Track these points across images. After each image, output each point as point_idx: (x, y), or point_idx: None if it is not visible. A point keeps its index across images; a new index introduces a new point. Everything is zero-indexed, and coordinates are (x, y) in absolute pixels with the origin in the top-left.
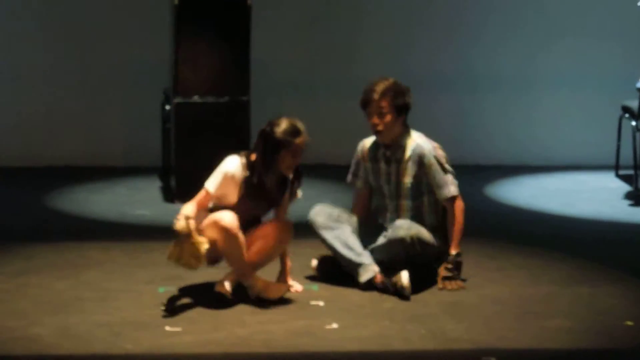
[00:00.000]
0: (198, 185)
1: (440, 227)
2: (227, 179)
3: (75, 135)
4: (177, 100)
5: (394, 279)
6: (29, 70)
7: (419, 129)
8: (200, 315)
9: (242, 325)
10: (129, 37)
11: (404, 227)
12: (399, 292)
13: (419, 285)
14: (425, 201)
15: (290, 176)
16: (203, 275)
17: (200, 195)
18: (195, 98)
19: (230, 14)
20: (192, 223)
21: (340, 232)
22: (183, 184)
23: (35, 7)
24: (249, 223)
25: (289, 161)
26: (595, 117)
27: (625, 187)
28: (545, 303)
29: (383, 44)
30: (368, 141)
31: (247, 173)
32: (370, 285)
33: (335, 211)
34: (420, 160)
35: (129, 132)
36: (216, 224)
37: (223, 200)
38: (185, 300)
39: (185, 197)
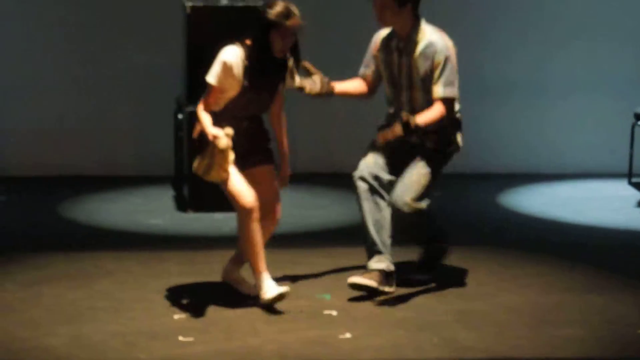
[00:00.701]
0: (211, 193)
1: (451, 123)
2: (227, 68)
3: (88, 144)
4: (190, 108)
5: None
6: (41, 79)
7: None
8: (212, 324)
9: (254, 334)
10: (141, 45)
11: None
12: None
13: (428, 291)
14: None
15: (290, 62)
16: (216, 287)
17: (208, 93)
18: None
19: (243, 21)
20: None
21: (377, 213)
22: (196, 192)
23: (47, 16)
24: (250, 122)
25: (279, 43)
26: (608, 124)
27: (638, 195)
28: (558, 311)
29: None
30: (383, 32)
31: (247, 61)
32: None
33: (378, 177)
34: (432, 56)
35: (141, 141)
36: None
37: (225, 94)
38: (198, 309)
39: (199, 206)
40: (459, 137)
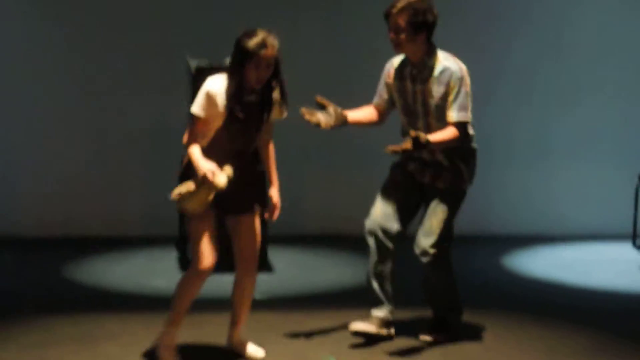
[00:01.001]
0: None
1: (464, 153)
2: (210, 98)
3: (93, 205)
4: None
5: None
6: (47, 140)
7: None
8: None
9: None
10: (147, 105)
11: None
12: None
13: (433, 353)
14: None
15: (275, 93)
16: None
17: (193, 124)
18: None
19: None
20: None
21: (381, 265)
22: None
23: (54, 79)
24: (239, 161)
25: (253, 74)
26: (613, 186)
27: None
28: None
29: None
30: (396, 60)
31: (228, 91)
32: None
33: (386, 230)
34: (446, 81)
35: (146, 202)
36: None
37: (210, 125)
38: None
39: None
40: (473, 170)
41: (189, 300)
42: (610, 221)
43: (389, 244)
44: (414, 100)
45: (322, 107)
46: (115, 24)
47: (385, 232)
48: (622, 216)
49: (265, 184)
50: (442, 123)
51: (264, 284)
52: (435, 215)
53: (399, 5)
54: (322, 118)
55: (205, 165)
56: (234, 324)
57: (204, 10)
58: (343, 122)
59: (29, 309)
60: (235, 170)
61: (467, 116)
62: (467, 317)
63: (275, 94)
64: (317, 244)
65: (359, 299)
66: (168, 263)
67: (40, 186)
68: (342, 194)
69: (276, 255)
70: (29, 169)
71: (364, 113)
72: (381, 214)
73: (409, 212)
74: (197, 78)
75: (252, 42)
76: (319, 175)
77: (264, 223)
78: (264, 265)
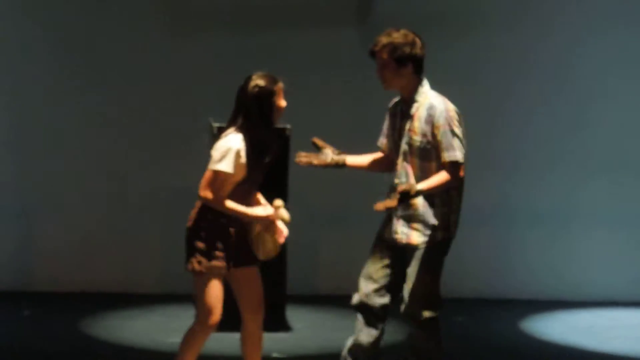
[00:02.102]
0: (231, 313)
1: (446, 202)
2: (238, 155)
3: (112, 261)
4: None
5: None
6: (67, 196)
7: (456, 260)
8: None
9: None
10: (168, 165)
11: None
12: None
13: None
14: (434, 166)
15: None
16: None
17: (220, 184)
18: None
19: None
20: None
21: (364, 336)
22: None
23: (75, 135)
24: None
25: (278, 109)
26: (632, 255)
27: None
28: None
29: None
30: (397, 98)
31: (247, 144)
32: None
33: (370, 307)
34: (431, 120)
35: (165, 259)
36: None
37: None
38: None
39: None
40: (453, 218)
41: (194, 355)
42: (629, 287)
43: (375, 320)
44: (399, 136)
45: (319, 149)
46: (137, 86)
47: (369, 309)
48: None
49: None
50: (425, 163)
51: (282, 342)
52: (414, 277)
53: (382, 41)
54: (313, 158)
55: (259, 210)
56: None
57: (226, 75)
58: (340, 163)
59: None
60: (243, 225)
61: (456, 155)
62: None
63: None
64: (334, 304)
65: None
66: (185, 321)
67: (59, 241)
68: (357, 253)
69: (294, 315)
70: (47, 223)
71: (368, 157)
72: (366, 284)
73: (396, 274)
74: (218, 137)
75: (267, 81)
76: (335, 235)
77: (282, 284)
78: (282, 324)
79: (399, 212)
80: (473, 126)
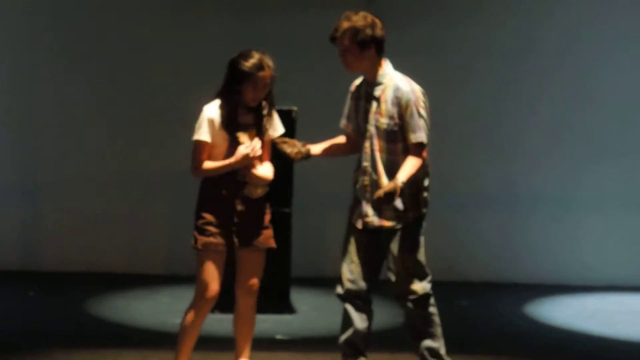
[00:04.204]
0: (232, 294)
1: (413, 183)
2: (212, 123)
3: (118, 242)
4: None
5: None
6: (75, 177)
7: (461, 245)
8: None
9: None
10: (175, 146)
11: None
12: None
13: None
14: (400, 147)
15: (264, 114)
16: None
17: (199, 152)
18: None
19: None
20: None
21: (360, 323)
22: (223, 293)
23: (82, 116)
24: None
25: (250, 93)
26: (637, 238)
27: None
28: None
29: None
30: (358, 80)
31: (223, 113)
32: None
33: (357, 293)
34: (398, 102)
35: (171, 241)
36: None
37: (215, 150)
38: None
39: (225, 307)
40: (422, 197)
41: (194, 335)
42: (634, 272)
43: (364, 305)
44: (365, 119)
45: (285, 150)
46: (144, 66)
47: (357, 295)
48: None
49: (269, 218)
50: (391, 145)
51: (287, 325)
52: (397, 258)
53: (343, 26)
54: (287, 148)
55: (239, 153)
56: (237, 356)
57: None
58: (305, 154)
59: (50, 343)
60: (246, 203)
61: (422, 137)
62: None
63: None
64: None
65: (380, 341)
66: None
67: (64, 222)
68: None
69: (298, 298)
70: (53, 204)
71: (330, 143)
72: (348, 273)
73: (376, 258)
74: None
75: (250, 64)
76: (339, 218)
77: (288, 267)
78: (287, 306)
79: (368, 196)
80: (475, 110)
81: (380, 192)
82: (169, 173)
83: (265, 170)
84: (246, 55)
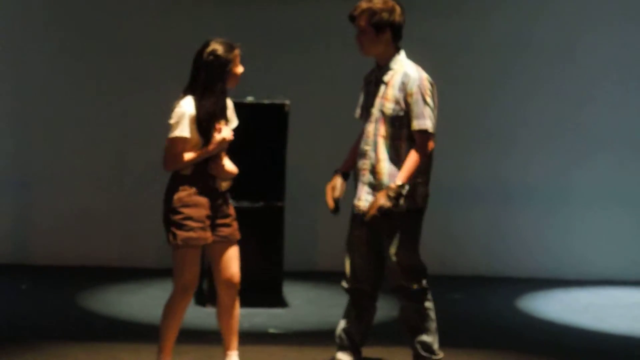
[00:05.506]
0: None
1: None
2: (192, 119)
3: (109, 236)
4: None
5: None
6: (66, 171)
7: (453, 239)
8: None
9: None
10: (164, 140)
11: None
12: None
13: None
14: (404, 134)
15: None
16: None
17: (174, 147)
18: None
19: (268, 119)
20: None
21: (360, 317)
22: (215, 287)
23: (73, 113)
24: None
25: (234, 76)
26: (630, 233)
27: None
28: None
29: None
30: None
31: (199, 108)
32: None
33: (361, 290)
34: (404, 87)
35: (162, 234)
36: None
37: (189, 146)
38: None
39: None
40: (420, 190)
41: (176, 326)
42: (627, 266)
43: (367, 300)
44: (372, 103)
45: (337, 209)
46: (137, 59)
47: (360, 292)
48: (638, 261)
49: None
50: (395, 130)
51: (279, 318)
52: (395, 250)
53: (361, 6)
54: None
55: (215, 140)
56: (225, 349)
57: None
58: (346, 178)
59: (42, 336)
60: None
61: (426, 124)
62: (480, 357)
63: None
64: (331, 280)
65: (374, 334)
66: None
67: (57, 215)
68: None
69: (291, 291)
70: (46, 197)
71: (352, 153)
72: (351, 269)
73: (378, 249)
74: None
75: (224, 48)
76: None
77: (280, 261)
78: (279, 300)
79: (364, 179)
80: (468, 102)
81: (373, 212)
82: (161, 167)
83: (231, 164)
84: (211, 46)
